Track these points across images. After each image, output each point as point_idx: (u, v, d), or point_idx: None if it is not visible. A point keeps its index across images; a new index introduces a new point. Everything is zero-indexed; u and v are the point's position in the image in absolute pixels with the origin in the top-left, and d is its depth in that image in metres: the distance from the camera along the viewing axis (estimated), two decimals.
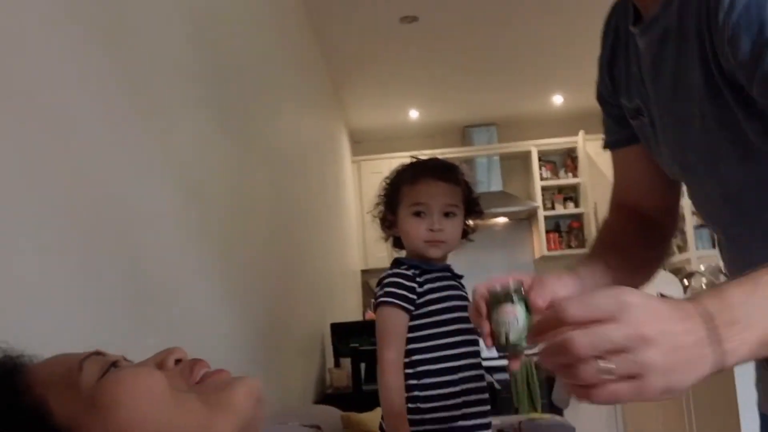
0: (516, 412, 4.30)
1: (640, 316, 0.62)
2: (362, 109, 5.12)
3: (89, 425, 0.55)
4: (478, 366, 1.52)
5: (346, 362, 2.89)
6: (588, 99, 5.00)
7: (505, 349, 0.91)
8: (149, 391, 0.57)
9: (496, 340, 0.91)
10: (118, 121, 1.14)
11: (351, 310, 4.59)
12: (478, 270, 5.66)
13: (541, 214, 5.28)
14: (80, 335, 0.71)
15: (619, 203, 1.17)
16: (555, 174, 5.50)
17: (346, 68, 4.31)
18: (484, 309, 0.91)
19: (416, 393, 1.44)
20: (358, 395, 2.69)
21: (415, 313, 1.48)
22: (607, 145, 1.17)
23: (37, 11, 0.89)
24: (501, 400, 4.17)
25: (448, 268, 1.57)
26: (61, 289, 0.89)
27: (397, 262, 1.55)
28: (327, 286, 3.47)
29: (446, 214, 1.49)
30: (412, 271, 1.50)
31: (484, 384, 1.52)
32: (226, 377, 0.62)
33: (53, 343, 0.63)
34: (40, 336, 0.64)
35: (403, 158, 5.42)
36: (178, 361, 0.64)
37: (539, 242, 5.33)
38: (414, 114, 5.31)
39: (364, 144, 5.73)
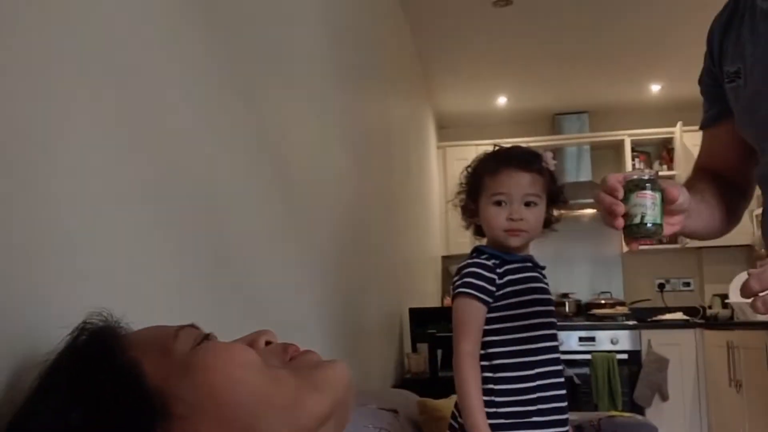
0: (595, 408, 4.21)
1: None
2: (450, 94, 5.07)
3: (181, 388, 0.56)
4: (557, 361, 1.50)
5: (423, 347, 2.90)
6: (688, 88, 4.81)
7: (637, 230, 1.02)
8: (243, 360, 0.58)
9: (627, 221, 1.02)
10: (210, 100, 1.16)
11: (430, 296, 4.59)
12: (562, 262, 5.62)
13: None
14: (167, 315, 0.73)
15: (701, 167, 1.35)
16: (648, 165, 5.29)
17: (435, 51, 4.28)
18: (621, 192, 1.02)
19: (491, 386, 1.43)
20: (434, 381, 2.69)
21: (493, 305, 1.46)
22: (702, 124, 1.34)
23: None
24: (580, 395, 4.09)
25: (530, 259, 1.54)
26: (157, 268, 0.92)
27: (477, 251, 1.53)
28: (407, 271, 3.48)
29: (527, 204, 1.47)
30: (493, 261, 1.48)
31: (562, 380, 1.49)
32: (318, 358, 0.63)
33: (149, 319, 0.66)
34: (138, 311, 0.66)
35: (489, 146, 5.38)
36: (267, 344, 0.65)
37: None
38: (502, 100, 5.22)
39: (450, 130, 5.69)
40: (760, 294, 0.85)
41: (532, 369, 1.43)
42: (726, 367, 3.96)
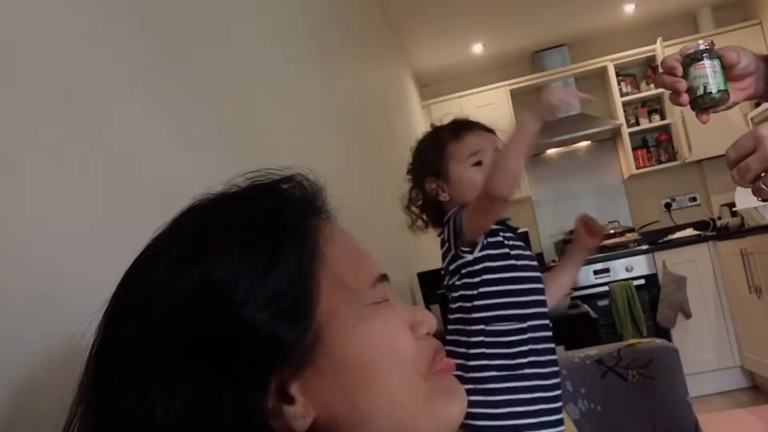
0: (620, 338, 4.21)
1: None
2: (425, 50, 4.99)
3: (338, 337, 0.52)
4: (546, 315, 1.47)
5: (436, 308, 2.89)
6: (663, 2, 4.75)
7: (703, 101, 1.04)
8: (399, 352, 0.55)
9: (692, 95, 1.04)
10: (164, 95, 1.13)
11: (435, 258, 4.57)
12: (565, 199, 5.60)
13: (626, 131, 5.05)
14: None
15: None
16: (636, 87, 5.22)
17: (402, 10, 4.19)
18: (680, 69, 1.04)
19: (482, 338, 1.41)
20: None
21: (484, 255, 1.43)
22: None
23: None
24: (601, 328, 4.09)
25: (510, 228, 1.52)
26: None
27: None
28: (410, 237, 3.45)
29: None
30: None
31: (551, 334, 1.47)
32: (452, 381, 0.61)
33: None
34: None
35: (474, 95, 5.34)
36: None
37: (626, 161, 5.11)
38: (479, 48, 5.13)
39: (432, 87, 5.62)
40: (740, 165, 0.93)
41: (524, 322, 1.41)
42: (743, 275, 3.95)
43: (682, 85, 1.05)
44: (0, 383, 0.64)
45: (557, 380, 1.44)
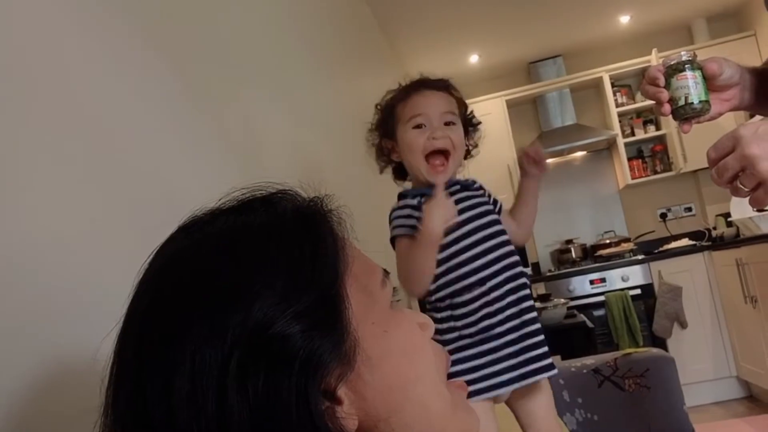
0: (617, 348, 4.21)
1: (749, 142, 0.89)
2: (422, 60, 5.01)
3: (372, 343, 0.52)
4: (513, 266, 1.41)
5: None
6: (657, 14, 4.79)
7: (684, 112, 1.06)
8: (430, 359, 0.56)
9: (674, 106, 1.06)
10: (169, 102, 1.13)
11: None
12: (561, 209, 5.61)
13: (621, 141, 5.06)
14: None
15: None
16: (631, 98, 5.24)
17: (398, 19, 4.21)
18: (662, 80, 1.06)
19: (449, 312, 1.37)
20: None
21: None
22: None
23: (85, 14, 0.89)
24: (598, 337, 4.10)
25: (457, 182, 1.45)
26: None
27: (400, 197, 1.46)
28: None
29: (446, 124, 1.41)
30: (417, 199, 1.40)
31: (527, 292, 1.42)
32: (468, 402, 0.61)
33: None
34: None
35: (469, 105, 5.32)
36: None
37: (622, 171, 5.13)
38: (475, 58, 5.16)
39: None
40: (719, 164, 0.94)
41: (484, 284, 1.36)
42: (739, 284, 3.96)
43: (664, 95, 1.07)
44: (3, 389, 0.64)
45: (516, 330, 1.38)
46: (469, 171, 5.61)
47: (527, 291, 1.43)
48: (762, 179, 0.90)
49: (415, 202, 1.39)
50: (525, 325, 1.37)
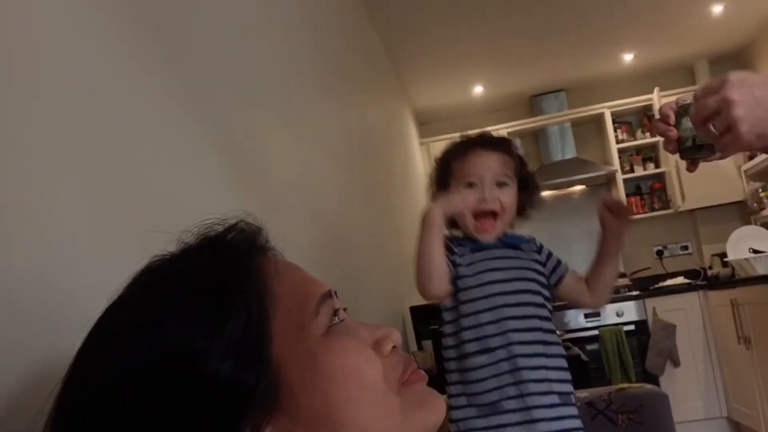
0: (609, 383, 4.21)
1: (733, 86, 0.91)
2: (426, 90, 5.07)
3: (298, 377, 0.51)
4: (540, 340, 1.40)
5: (428, 344, 2.89)
6: (661, 54, 4.84)
7: (691, 153, 1.08)
8: (369, 378, 0.54)
9: (681, 146, 1.08)
10: (176, 118, 1.15)
11: None
12: (559, 240, 5.60)
13: (620, 177, 5.11)
14: None
15: None
16: (632, 135, 5.30)
17: (405, 50, 4.27)
18: (672, 118, 1.08)
19: (459, 376, 1.39)
20: (441, 377, 2.68)
21: (456, 292, 1.42)
22: None
23: (91, 23, 0.91)
24: (591, 372, 4.09)
25: (505, 240, 1.47)
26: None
27: (448, 241, 1.48)
28: (404, 270, 3.47)
29: (499, 184, 1.44)
30: (459, 247, 1.44)
31: (552, 357, 1.40)
32: (425, 390, 0.60)
33: None
34: None
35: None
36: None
37: None
38: (479, 89, 5.22)
39: (431, 125, 5.69)
40: (699, 101, 0.96)
41: (495, 352, 1.36)
42: (733, 325, 3.97)
43: (673, 134, 1.09)
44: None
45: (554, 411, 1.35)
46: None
47: (562, 377, 1.39)
48: (732, 124, 0.91)
49: (455, 249, 1.43)
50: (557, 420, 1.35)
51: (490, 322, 1.38)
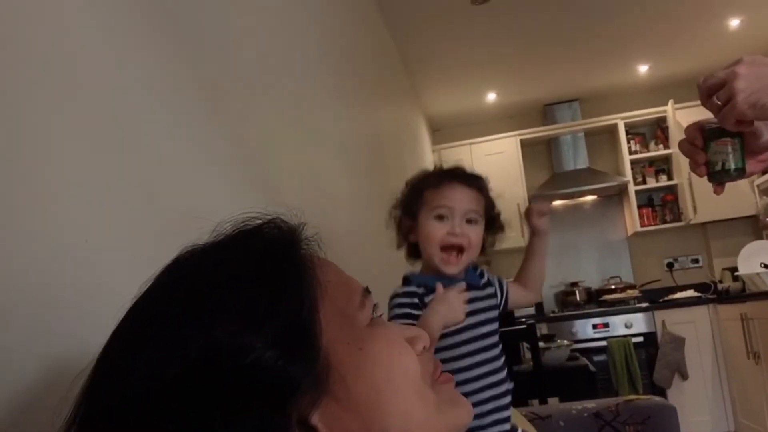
0: (616, 394, 4.19)
1: (743, 63, 0.98)
2: (439, 96, 5.08)
3: (346, 364, 0.53)
4: (498, 384, 1.41)
5: None
6: (676, 66, 4.83)
7: (720, 177, 1.08)
8: (410, 369, 0.57)
9: (710, 169, 1.08)
10: (189, 119, 1.17)
11: None
12: (569, 252, 5.61)
13: (632, 188, 5.10)
14: None
15: None
16: (645, 146, 5.29)
17: (419, 56, 4.29)
18: (701, 141, 1.09)
19: None
20: None
21: None
22: None
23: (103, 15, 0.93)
24: (599, 383, 4.08)
25: (464, 279, 1.45)
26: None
27: (405, 280, 1.46)
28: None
29: (468, 221, 1.41)
30: (422, 289, 1.41)
31: (506, 401, 1.42)
32: (455, 391, 0.63)
33: None
34: None
35: (484, 143, 5.36)
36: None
37: (631, 218, 5.15)
38: (492, 96, 5.22)
39: (443, 132, 5.69)
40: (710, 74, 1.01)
41: (477, 394, 1.36)
42: (742, 339, 3.95)
43: (701, 157, 1.09)
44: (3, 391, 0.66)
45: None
46: None
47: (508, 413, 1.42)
48: (732, 95, 0.97)
49: (418, 293, 1.40)
50: None
51: (460, 369, 1.38)
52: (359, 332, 0.56)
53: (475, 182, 1.46)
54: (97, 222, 0.82)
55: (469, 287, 1.43)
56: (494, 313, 1.47)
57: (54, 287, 0.72)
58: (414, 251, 1.49)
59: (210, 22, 1.32)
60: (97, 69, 0.88)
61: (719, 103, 1.00)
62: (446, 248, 1.40)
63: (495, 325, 1.46)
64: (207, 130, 1.24)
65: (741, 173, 1.08)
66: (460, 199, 1.41)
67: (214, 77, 1.31)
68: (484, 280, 1.50)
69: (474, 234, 1.41)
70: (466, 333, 1.40)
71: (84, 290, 0.77)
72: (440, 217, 1.40)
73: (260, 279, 0.52)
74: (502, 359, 1.44)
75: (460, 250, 1.40)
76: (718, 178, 1.09)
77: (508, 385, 1.43)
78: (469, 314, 1.39)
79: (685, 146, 1.11)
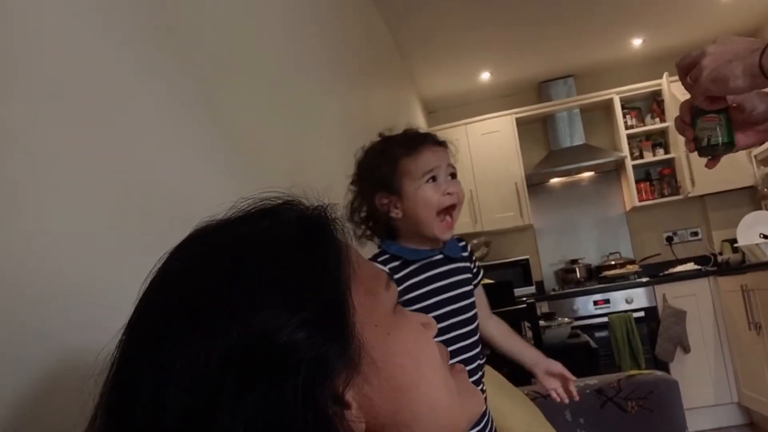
0: (619, 369, 4.21)
1: (716, 42, 1.02)
2: (433, 77, 5.05)
3: (376, 346, 0.53)
4: (474, 359, 1.42)
5: None
6: (670, 38, 4.81)
7: (707, 152, 1.12)
8: (434, 355, 0.57)
9: (698, 145, 1.12)
10: (176, 107, 1.15)
11: None
12: (567, 229, 5.61)
13: (629, 163, 5.08)
14: None
15: None
16: (641, 120, 5.26)
17: (412, 37, 4.25)
18: (688, 118, 1.12)
19: None
20: None
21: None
22: None
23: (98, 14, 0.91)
24: (601, 359, 4.09)
25: (442, 251, 1.44)
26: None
27: (380, 250, 1.44)
28: None
29: (452, 175, 1.40)
30: (394, 263, 1.40)
31: (479, 375, 1.44)
32: (468, 380, 0.63)
33: None
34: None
35: (479, 122, 5.31)
36: None
37: (629, 193, 5.14)
38: (486, 75, 5.19)
39: (438, 113, 5.67)
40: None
41: None
42: (743, 311, 3.95)
43: (690, 133, 1.12)
44: (12, 385, 0.65)
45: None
46: (478, 189, 5.57)
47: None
48: (699, 72, 1.01)
49: (396, 264, 1.39)
50: None
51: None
52: (386, 317, 0.56)
53: (441, 140, 1.46)
54: (89, 216, 0.81)
55: (449, 260, 1.44)
56: (469, 288, 1.46)
57: (52, 287, 0.71)
58: (390, 231, 1.45)
59: (199, 6, 1.30)
60: (86, 59, 0.86)
61: (690, 81, 1.05)
62: (440, 213, 1.39)
63: (471, 299, 1.45)
64: (197, 117, 1.22)
65: (729, 147, 1.10)
66: (441, 157, 1.40)
67: (204, 62, 1.30)
68: (466, 254, 1.50)
69: (461, 188, 1.41)
70: (449, 306, 1.40)
71: (77, 286, 0.76)
72: (433, 180, 1.39)
73: (301, 259, 0.52)
74: (478, 335, 1.45)
75: (450, 210, 1.40)
76: (707, 152, 1.12)
77: (480, 361, 1.44)
78: (448, 286, 1.40)
79: (678, 123, 1.15)
